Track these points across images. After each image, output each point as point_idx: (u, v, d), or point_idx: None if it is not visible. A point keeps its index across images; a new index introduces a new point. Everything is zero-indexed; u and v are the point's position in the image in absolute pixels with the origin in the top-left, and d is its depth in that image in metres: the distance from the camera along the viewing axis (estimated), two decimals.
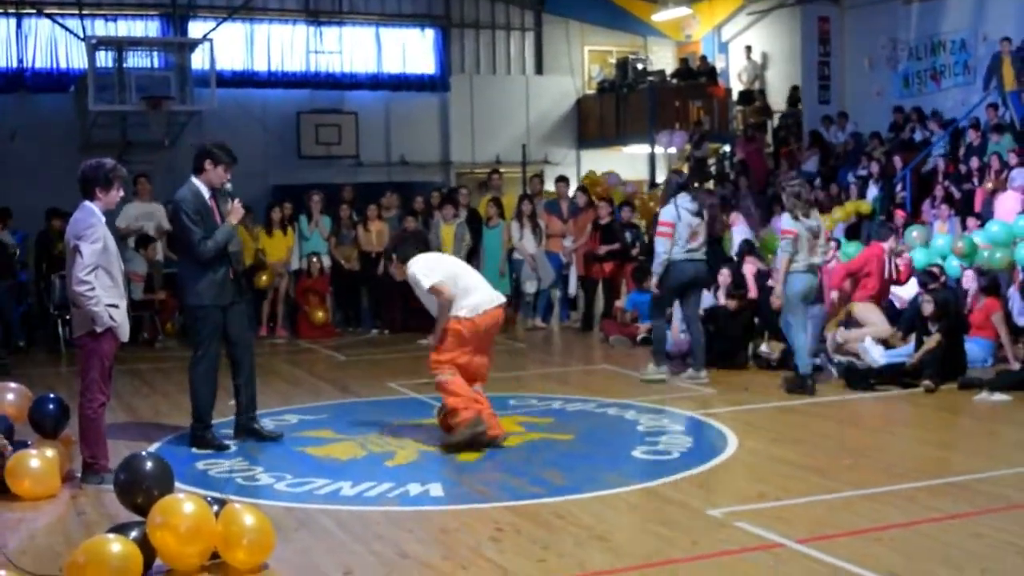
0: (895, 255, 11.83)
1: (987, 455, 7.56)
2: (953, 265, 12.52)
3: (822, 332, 11.31)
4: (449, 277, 7.93)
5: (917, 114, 17.85)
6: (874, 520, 5.91)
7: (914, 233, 13.36)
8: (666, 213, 10.35)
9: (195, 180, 7.84)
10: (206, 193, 7.83)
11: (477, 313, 7.87)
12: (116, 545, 4.97)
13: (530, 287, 15.01)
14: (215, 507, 5.47)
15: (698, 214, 10.32)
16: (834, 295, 11.68)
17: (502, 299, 8.25)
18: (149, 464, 5.89)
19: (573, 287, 15.35)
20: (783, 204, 10.26)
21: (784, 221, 9.93)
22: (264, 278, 14.50)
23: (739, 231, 14.75)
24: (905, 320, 10.98)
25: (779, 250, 9.78)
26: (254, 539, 5.32)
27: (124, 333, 6.99)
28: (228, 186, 7.95)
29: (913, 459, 7.38)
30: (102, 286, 6.77)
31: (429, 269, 7.97)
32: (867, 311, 11.30)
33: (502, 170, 17.94)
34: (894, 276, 11.82)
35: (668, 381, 10.34)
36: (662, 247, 10.25)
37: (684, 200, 10.31)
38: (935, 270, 11.81)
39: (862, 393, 9.75)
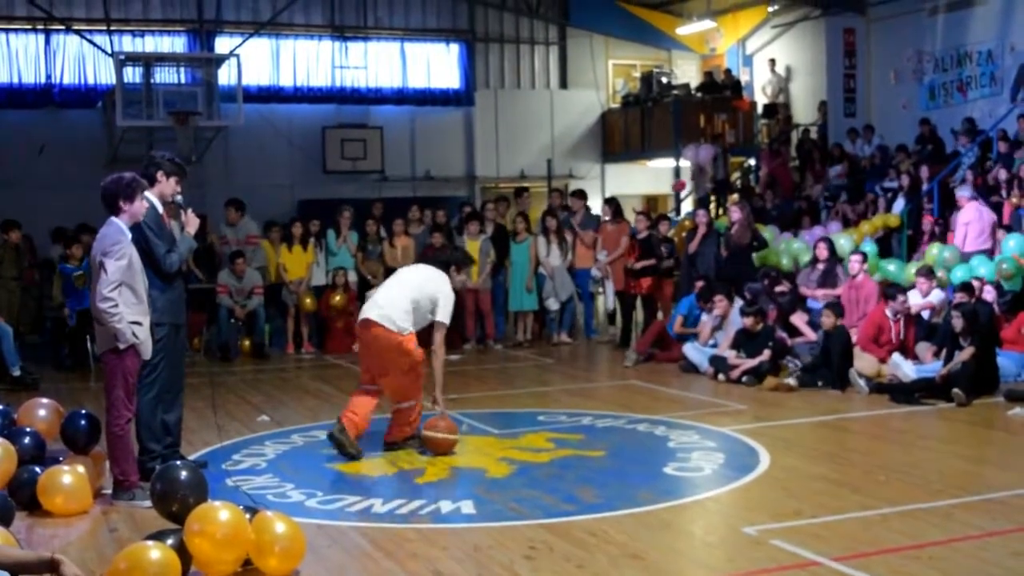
0: (900, 314, 11.17)
1: None
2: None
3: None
4: None
5: (970, 122, 17.28)
6: (911, 537, 5.84)
7: (946, 254, 13.16)
8: None
9: (147, 193, 7.37)
10: (159, 206, 7.55)
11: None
12: (155, 552, 5.05)
13: (553, 303, 14.91)
14: (247, 515, 5.54)
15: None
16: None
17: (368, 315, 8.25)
18: (184, 473, 5.97)
19: (611, 301, 15.17)
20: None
21: None
22: (308, 301, 14.52)
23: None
24: (939, 336, 10.87)
25: None
26: (286, 546, 5.46)
27: (147, 350, 6.96)
28: (179, 198, 7.74)
29: (949, 475, 7.30)
30: (126, 303, 6.76)
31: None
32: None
33: (526, 184, 17.84)
34: (898, 338, 11.11)
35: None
36: None
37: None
38: (973, 283, 11.61)
39: (892, 408, 9.68)
